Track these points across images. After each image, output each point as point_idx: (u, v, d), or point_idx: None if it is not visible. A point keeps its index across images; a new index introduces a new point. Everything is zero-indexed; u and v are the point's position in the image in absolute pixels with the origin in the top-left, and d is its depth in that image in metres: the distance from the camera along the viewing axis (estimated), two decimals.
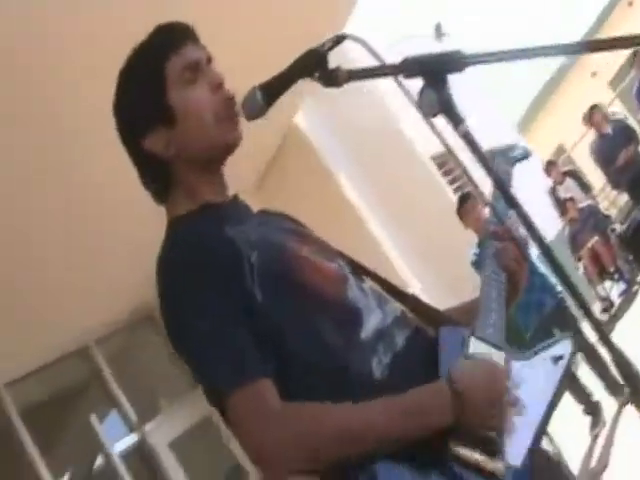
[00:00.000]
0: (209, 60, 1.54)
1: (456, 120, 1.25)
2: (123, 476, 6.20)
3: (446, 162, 7.69)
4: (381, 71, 1.34)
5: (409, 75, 1.28)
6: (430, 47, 7.25)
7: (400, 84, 1.33)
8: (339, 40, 1.38)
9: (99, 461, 6.43)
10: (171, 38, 1.52)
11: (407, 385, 1.33)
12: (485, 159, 1.27)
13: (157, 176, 1.54)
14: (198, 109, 1.49)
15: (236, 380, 1.31)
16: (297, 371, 1.35)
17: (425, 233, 6.54)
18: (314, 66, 1.37)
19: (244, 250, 1.40)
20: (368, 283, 1.52)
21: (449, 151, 1.33)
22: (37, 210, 4.46)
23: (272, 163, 6.52)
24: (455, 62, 1.25)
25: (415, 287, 6.21)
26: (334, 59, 1.38)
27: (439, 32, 6.75)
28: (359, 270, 1.55)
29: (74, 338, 6.15)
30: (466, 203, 5.67)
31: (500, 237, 1.57)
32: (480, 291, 1.51)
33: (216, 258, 1.38)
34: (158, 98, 1.49)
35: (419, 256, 6.54)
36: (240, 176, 5.32)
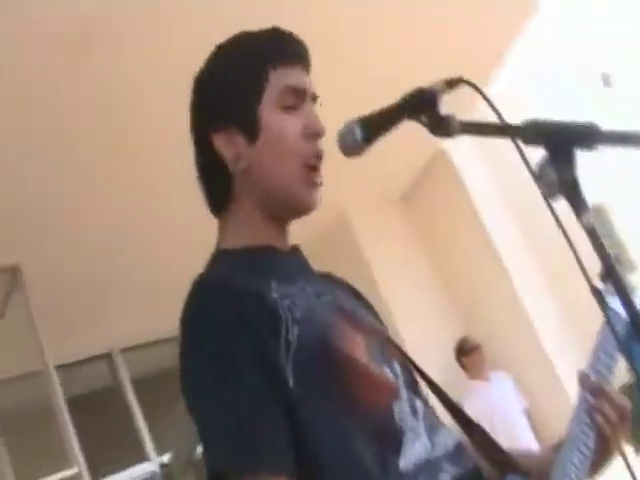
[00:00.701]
0: (313, 98, 1.34)
1: (579, 208, 1.02)
2: None
3: None
4: (499, 131, 1.15)
5: (529, 142, 1.07)
6: (595, 96, 6.81)
7: (519, 149, 1.10)
8: (454, 83, 1.17)
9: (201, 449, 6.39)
10: (288, 49, 1.33)
11: None
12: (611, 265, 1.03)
13: (216, 184, 1.34)
14: (284, 146, 1.29)
15: (252, 466, 1.09)
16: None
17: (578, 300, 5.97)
18: (423, 108, 1.16)
19: (285, 319, 1.18)
20: (422, 401, 1.28)
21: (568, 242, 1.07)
22: None
23: (417, 183, 6.29)
24: (588, 137, 1.03)
25: (560, 364, 5.74)
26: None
27: (606, 81, 6.28)
28: (416, 383, 1.31)
29: None
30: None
31: (597, 392, 1.30)
32: (561, 447, 1.26)
33: (251, 319, 1.16)
34: (250, 100, 1.29)
35: (568, 325, 6.05)
36: (385, 190, 5.15)
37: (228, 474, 1.10)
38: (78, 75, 3.45)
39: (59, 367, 4.42)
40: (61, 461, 4.19)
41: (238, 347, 1.14)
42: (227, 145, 1.29)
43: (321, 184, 1.31)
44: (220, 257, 1.31)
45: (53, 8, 3.13)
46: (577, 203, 1.02)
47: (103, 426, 5.82)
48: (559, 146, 1.03)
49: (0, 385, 4.88)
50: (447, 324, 6.12)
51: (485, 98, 1.14)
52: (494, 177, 6.32)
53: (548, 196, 1.05)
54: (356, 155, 1.24)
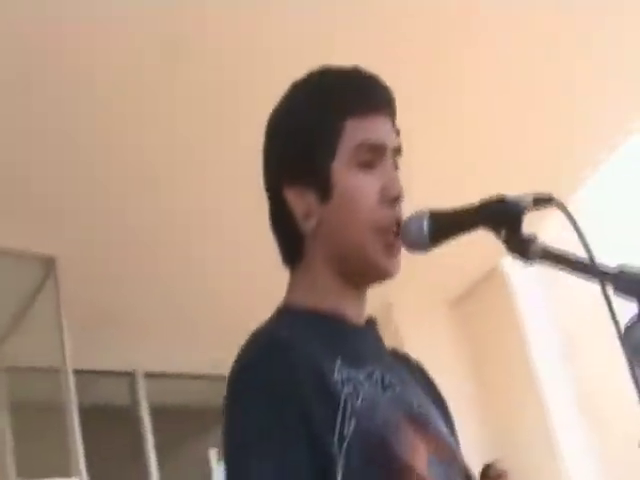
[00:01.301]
0: (397, 151, 1.21)
1: None
2: None
3: None
4: (585, 270, 0.99)
5: (620, 292, 0.95)
6: None
7: (606, 296, 0.96)
8: (544, 202, 1.04)
9: None
10: (368, 96, 1.20)
11: None
12: None
13: (287, 238, 1.22)
14: (358, 210, 1.16)
15: None
16: None
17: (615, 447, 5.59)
18: (505, 221, 1.04)
19: (343, 409, 1.06)
20: None
21: None
22: None
23: (469, 293, 6.11)
24: None
25: None
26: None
27: None
28: None
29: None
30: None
31: None
32: None
33: (307, 400, 1.04)
34: (322, 156, 1.17)
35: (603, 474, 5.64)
36: (435, 292, 5.00)
37: None
38: None
39: (78, 371, 4.30)
40: (64, 467, 4.09)
41: (287, 425, 1.03)
42: (298, 201, 1.18)
43: (400, 250, 1.18)
44: (285, 314, 1.19)
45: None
46: None
47: (112, 443, 5.62)
48: None
49: (17, 373, 4.76)
50: (475, 440, 5.84)
51: (575, 227, 1.00)
52: (548, 303, 6.09)
53: (634, 361, 0.91)
54: (415, 250, 1.13)
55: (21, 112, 3.41)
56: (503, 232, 1.03)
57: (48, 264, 4.21)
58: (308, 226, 1.18)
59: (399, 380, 1.18)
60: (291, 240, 1.21)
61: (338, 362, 1.10)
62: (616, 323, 0.92)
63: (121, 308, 4.73)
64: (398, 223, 1.16)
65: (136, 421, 5.73)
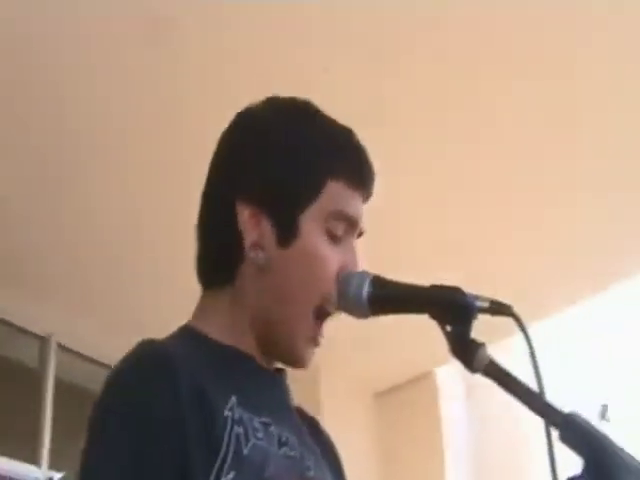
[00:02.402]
0: (360, 234, 1.15)
1: None
2: None
3: None
4: (532, 404, 0.85)
5: (564, 440, 0.81)
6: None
7: (549, 439, 0.84)
8: (500, 311, 0.92)
9: None
10: (358, 167, 1.14)
11: None
12: None
13: (220, 253, 1.12)
14: (311, 280, 1.08)
15: None
16: None
17: None
18: (454, 315, 0.93)
19: (225, 453, 0.94)
20: None
21: None
22: None
23: (397, 387, 5.99)
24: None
25: None
26: None
27: (604, 414, 6.12)
28: None
29: None
30: None
31: None
32: None
33: (188, 430, 0.94)
34: (296, 200, 1.09)
35: None
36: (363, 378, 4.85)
37: None
38: None
39: None
40: None
41: (156, 453, 0.93)
42: (251, 225, 1.08)
43: (319, 343, 1.11)
44: (186, 335, 1.09)
45: None
46: None
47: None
48: (599, 468, 0.76)
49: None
50: None
51: (530, 347, 0.88)
52: (471, 425, 6.03)
53: None
54: (351, 314, 1.03)
55: None
56: (450, 328, 0.91)
57: None
58: (254, 257, 1.08)
59: (298, 440, 1.09)
60: (224, 259, 1.10)
61: (232, 399, 1.00)
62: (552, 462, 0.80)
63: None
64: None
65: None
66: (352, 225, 1.11)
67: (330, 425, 4.60)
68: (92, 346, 5.05)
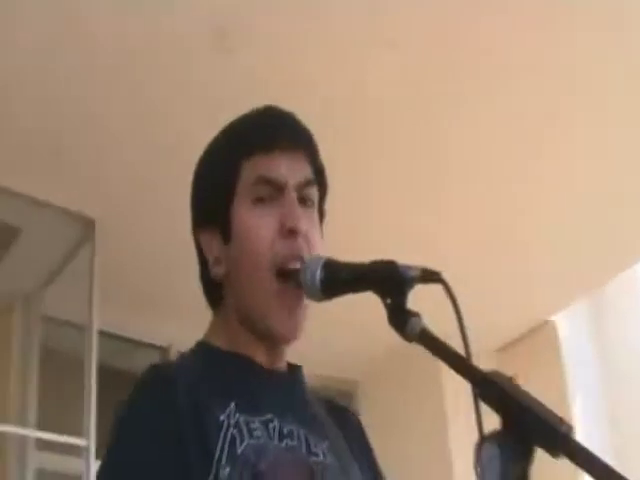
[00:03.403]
0: (307, 184, 1.19)
1: None
2: None
3: None
4: (459, 368, 0.89)
5: (485, 401, 0.84)
6: None
7: (475, 401, 0.87)
8: (429, 279, 0.97)
9: None
10: (268, 134, 1.18)
11: None
12: None
13: (207, 282, 1.22)
14: (253, 249, 1.13)
15: None
16: None
17: None
18: (391, 288, 0.97)
19: (219, 455, 1.03)
20: None
21: None
22: None
23: (511, 345, 5.95)
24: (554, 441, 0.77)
25: None
26: None
27: None
28: None
29: None
30: None
31: None
32: None
33: (186, 440, 1.03)
34: (221, 197, 1.18)
35: None
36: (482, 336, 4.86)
37: None
38: None
39: (105, 333, 4.39)
40: (76, 425, 4.09)
41: (159, 460, 1.02)
42: (208, 244, 1.20)
43: (303, 306, 1.13)
44: (200, 349, 1.21)
45: None
46: None
47: None
48: (517, 432, 0.78)
49: (49, 324, 4.86)
50: None
51: (457, 313, 0.92)
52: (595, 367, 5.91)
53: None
54: (309, 298, 1.09)
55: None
56: (388, 300, 0.95)
57: (88, 225, 4.26)
58: (218, 272, 1.17)
59: (306, 430, 1.14)
60: (210, 285, 1.21)
61: (231, 405, 1.08)
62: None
63: (158, 286, 4.71)
64: (297, 258, 1.11)
65: None
66: (278, 185, 1.15)
67: (453, 388, 4.67)
68: None
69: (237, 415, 1.07)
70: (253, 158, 1.16)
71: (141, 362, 5.87)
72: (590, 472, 0.71)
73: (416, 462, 5.36)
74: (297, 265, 1.10)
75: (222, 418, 1.06)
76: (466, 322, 0.98)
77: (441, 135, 3.79)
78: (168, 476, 1.01)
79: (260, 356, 1.17)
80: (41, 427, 4.45)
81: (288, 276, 1.11)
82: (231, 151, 1.18)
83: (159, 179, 3.88)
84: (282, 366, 1.21)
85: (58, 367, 4.71)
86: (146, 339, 5.44)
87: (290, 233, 1.12)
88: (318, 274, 1.03)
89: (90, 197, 4.04)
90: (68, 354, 4.60)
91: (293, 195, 1.15)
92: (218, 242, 1.17)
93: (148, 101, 3.56)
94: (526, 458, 0.76)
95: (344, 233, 3.05)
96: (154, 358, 5.79)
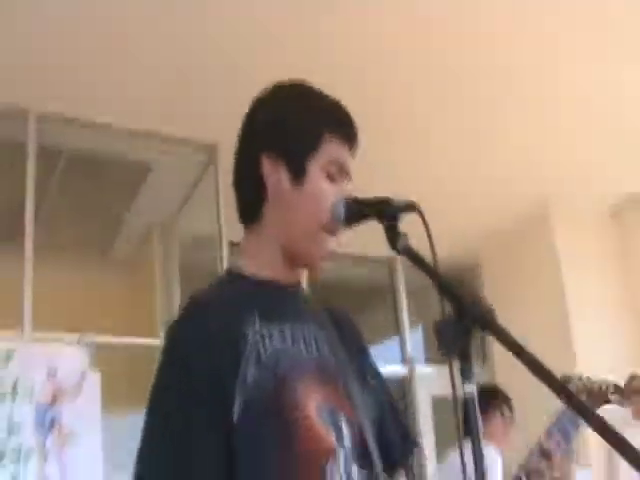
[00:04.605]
0: (349, 178, 1.46)
1: (465, 375, 1.09)
2: None
3: None
4: (429, 270, 1.20)
5: (445, 297, 1.13)
6: None
7: (442, 304, 1.15)
8: (408, 208, 1.27)
9: None
10: (345, 127, 1.46)
11: None
12: None
13: (250, 198, 1.46)
14: (318, 205, 1.40)
15: None
16: None
17: None
18: (387, 217, 1.29)
19: (247, 359, 1.29)
20: (365, 471, 1.35)
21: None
22: None
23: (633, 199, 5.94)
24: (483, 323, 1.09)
25: None
26: None
27: None
28: (367, 455, 1.36)
29: None
30: None
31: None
32: None
33: (218, 354, 1.28)
34: (306, 150, 1.42)
35: None
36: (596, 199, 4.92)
37: None
38: None
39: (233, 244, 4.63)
40: None
41: (196, 375, 1.26)
42: (272, 171, 1.42)
43: (331, 251, 1.43)
44: (225, 278, 1.47)
45: None
46: (465, 370, 1.08)
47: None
48: (462, 316, 1.09)
49: (186, 244, 5.20)
50: (627, 353, 5.80)
51: (428, 235, 1.20)
52: None
53: (442, 353, 1.10)
54: (340, 229, 1.39)
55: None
56: (385, 223, 1.27)
57: (211, 150, 4.62)
58: (275, 196, 1.41)
59: (315, 337, 1.40)
60: (253, 200, 1.44)
61: (255, 318, 1.33)
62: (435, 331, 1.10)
63: None
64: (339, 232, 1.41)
65: None
66: (343, 170, 1.43)
67: (567, 253, 4.81)
68: None
69: (260, 326, 1.33)
70: (334, 137, 1.42)
71: None
72: (504, 344, 1.02)
73: (537, 331, 5.61)
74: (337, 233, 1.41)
75: (247, 330, 1.31)
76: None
77: None
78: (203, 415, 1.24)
79: (282, 276, 1.44)
80: None
81: (333, 232, 1.40)
82: (323, 122, 1.43)
83: None
84: (296, 283, 1.48)
85: (196, 281, 5.14)
86: None
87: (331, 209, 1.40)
88: (341, 209, 1.36)
89: (210, 123, 4.33)
90: (204, 267, 4.94)
91: (348, 183, 1.44)
92: (285, 177, 1.41)
93: None
94: (468, 333, 1.07)
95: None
96: None
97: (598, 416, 1.00)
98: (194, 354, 1.28)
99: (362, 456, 1.34)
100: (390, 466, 1.44)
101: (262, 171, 1.42)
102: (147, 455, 1.26)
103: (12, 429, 3.70)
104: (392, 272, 6.35)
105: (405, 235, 1.23)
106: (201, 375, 1.26)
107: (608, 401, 1.67)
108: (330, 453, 1.28)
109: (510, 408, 3.99)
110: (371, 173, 4.69)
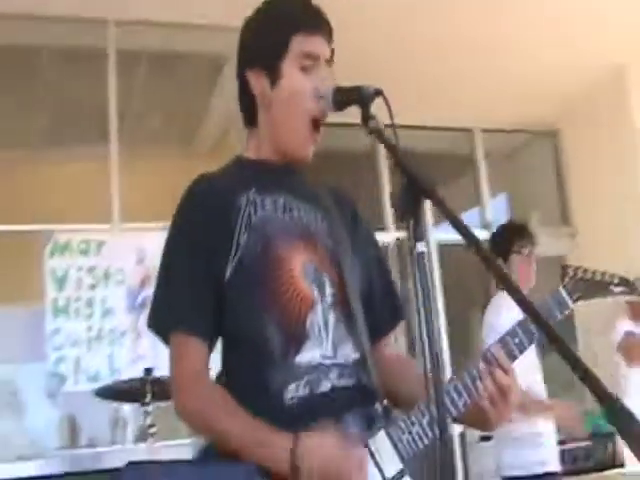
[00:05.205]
0: (330, 60, 1.62)
1: (415, 237, 1.24)
2: None
3: None
4: (393, 152, 1.33)
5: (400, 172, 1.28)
6: None
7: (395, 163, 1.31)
8: (376, 95, 1.42)
9: None
10: (310, 20, 1.61)
11: (307, 426, 1.40)
12: None
13: (248, 108, 1.66)
14: (296, 98, 1.58)
15: (174, 325, 1.51)
16: (230, 349, 1.52)
17: None
18: (360, 102, 1.44)
19: (240, 223, 1.52)
20: (341, 318, 1.54)
21: None
22: None
23: None
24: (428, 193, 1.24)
25: None
26: None
27: None
28: (345, 304, 1.55)
29: None
30: None
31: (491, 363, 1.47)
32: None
33: (215, 215, 1.52)
34: (275, 54, 1.60)
35: None
36: None
37: (156, 330, 1.55)
38: None
39: None
40: None
41: (194, 234, 1.52)
42: (256, 82, 1.62)
43: (317, 141, 1.61)
44: (233, 161, 1.69)
45: None
46: (415, 232, 1.24)
47: None
48: (413, 185, 1.25)
49: None
50: None
51: (390, 116, 1.36)
52: None
53: (397, 215, 1.26)
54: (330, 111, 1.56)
55: None
56: (361, 110, 1.42)
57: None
58: (263, 102, 1.61)
59: (307, 209, 1.61)
60: (249, 110, 1.66)
61: (252, 190, 1.56)
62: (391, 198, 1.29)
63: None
64: (324, 115, 1.57)
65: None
66: (316, 58, 1.59)
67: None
68: None
69: (254, 196, 1.55)
70: (301, 34, 1.58)
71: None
72: (447, 218, 1.17)
73: (610, 199, 5.68)
74: (324, 119, 1.57)
75: (242, 200, 1.54)
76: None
77: None
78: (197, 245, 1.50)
79: (275, 155, 1.62)
80: None
81: (316, 125, 1.58)
82: (286, 26, 1.59)
83: None
84: (294, 167, 1.65)
85: None
86: None
87: (321, 98, 1.55)
88: (331, 97, 1.51)
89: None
90: None
91: (324, 68, 1.59)
92: (265, 82, 1.60)
93: None
94: (418, 201, 1.22)
95: None
96: None
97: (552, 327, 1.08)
98: (197, 207, 1.54)
99: (345, 316, 1.54)
100: (374, 336, 1.61)
101: (248, 86, 1.62)
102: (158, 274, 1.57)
103: (106, 313, 4.08)
104: (471, 142, 6.47)
105: (375, 117, 1.39)
106: (199, 239, 1.51)
107: (611, 292, 1.71)
108: (310, 305, 1.50)
109: (529, 243, 3.58)
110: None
